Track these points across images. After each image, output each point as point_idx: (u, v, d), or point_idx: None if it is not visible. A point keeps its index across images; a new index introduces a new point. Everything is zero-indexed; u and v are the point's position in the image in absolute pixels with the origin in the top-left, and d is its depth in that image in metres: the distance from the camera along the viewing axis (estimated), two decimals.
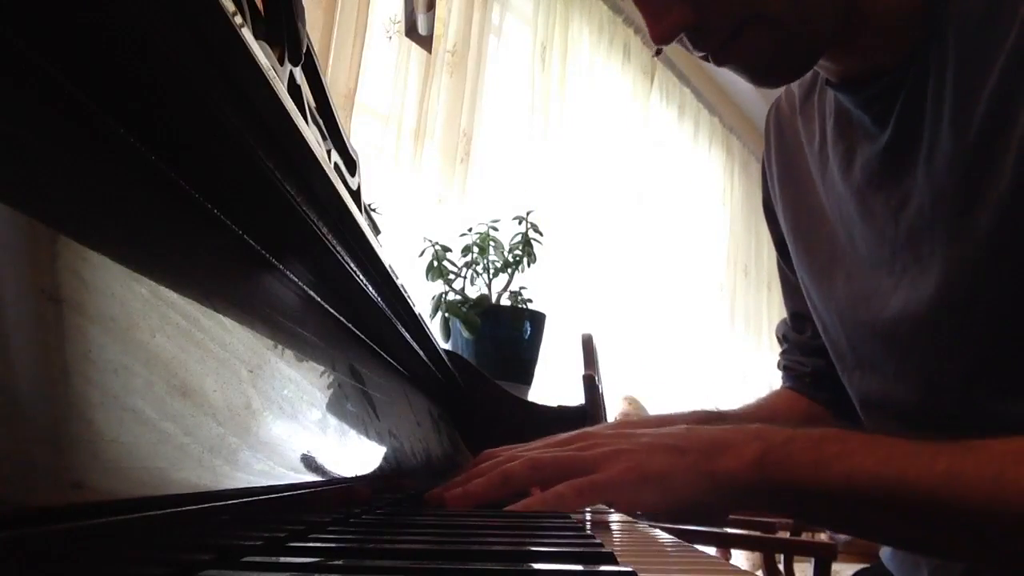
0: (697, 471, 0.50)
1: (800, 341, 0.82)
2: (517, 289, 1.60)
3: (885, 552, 0.77)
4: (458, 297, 1.53)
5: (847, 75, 0.63)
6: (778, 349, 0.89)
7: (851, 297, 0.67)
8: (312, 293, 0.55)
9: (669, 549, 0.46)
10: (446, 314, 1.49)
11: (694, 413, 0.80)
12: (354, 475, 0.52)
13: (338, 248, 0.53)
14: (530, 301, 1.60)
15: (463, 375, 1.33)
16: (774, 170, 0.79)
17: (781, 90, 0.78)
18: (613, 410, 2.33)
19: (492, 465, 0.56)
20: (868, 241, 0.65)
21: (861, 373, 0.69)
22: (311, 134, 0.43)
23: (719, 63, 0.58)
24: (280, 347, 0.43)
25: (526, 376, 1.56)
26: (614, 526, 0.61)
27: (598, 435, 0.56)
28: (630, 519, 0.66)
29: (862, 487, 0.47)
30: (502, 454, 0.63)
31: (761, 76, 0.59)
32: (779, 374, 0.88)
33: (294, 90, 0.47)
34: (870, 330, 0.65)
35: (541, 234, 1.63)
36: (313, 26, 1.55)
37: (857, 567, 0.87)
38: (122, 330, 0.25)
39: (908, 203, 0.59)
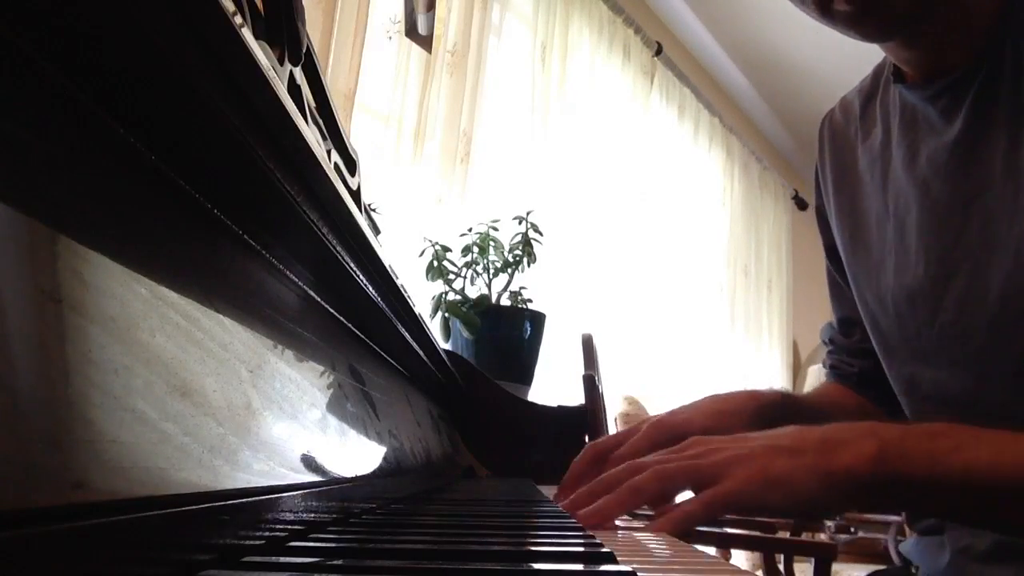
0: (816, 470, 0.50)
1: (848, 344, 0.85)
2: (517, 289, 1.60)
3: (906, 545, 0.78)
4: (458, 297, 1.53)
5: (916, 68, 0.66)
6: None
7: (903, 289, 0.69)
8: (312, 293, 0.55)
9: (669, 549, 0.45)
10: (446, 314, 1.49)
11: (766, 393, 0.82)
12: (354, 475, 0.52)
13: (338, 248, 0.53)
14: (530, 301, 1.60)
15: (463, 375, 1.33)
16: (828, 177, 0.82)
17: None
18: (613, 410, 2.33)
19: (613, 478, 0.56)
20: (923, 231, 0.66)
21: (913, 365, 0.70)
22: (311, 134, 0.43)
23: (821, 11, 0.61)
24: (280, 347, 0.43)
25: (526, 376, 1.56)
26: (615, 525, 0.61)
27: (711, 441, 0.56)
28: (628, 517, 0.66)
29: (980, 477, 0.49)
30: (614, 460, 0.64)
31: (857, 22, 0.60)
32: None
33: (294, 90, 0.47)
34: (927, 320, 0.67)
35: (541, 234, 1.63)
36: (313, 26, 1.55)
37: (856, 567, 0.88)
38: (122, 330, 0.25)
39: (982, 194, 0.61)
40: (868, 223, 0.74)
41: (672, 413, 0.78)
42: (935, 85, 0.64)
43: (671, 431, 0.68)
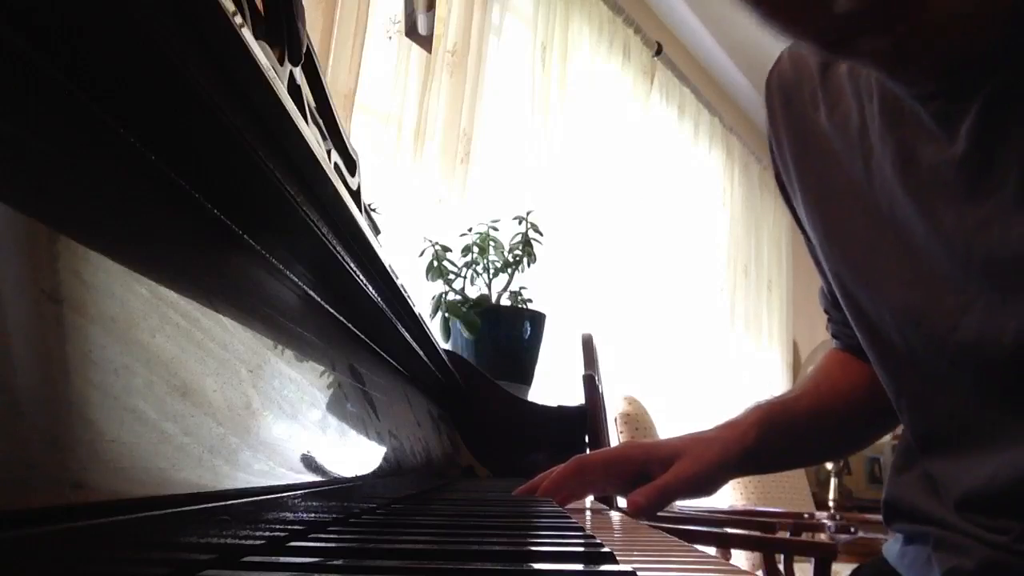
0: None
1: (842, 317, 0.76)
2: (517, 289, 1.60)
3: (891, 551, 0.74)
4: (458, 297, 1.53)
5: None
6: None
7: (909, 307, 0.62)
8: (312, 293, 0.55)
9: (669, 549, 0.45)
10: (446, 314, 1.50)
11: (756, 407, 0.81)
12: (354, 475, 0.52)
13: (338, 248, 0.53)
14: (530, 301, 1.60)
15: (463, 375, 1.33)
16: (784, 143, 0.72)
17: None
18: (613, 410, 2.33)
19: None
20: (933, 251, 0.59)
21: (912, 382, 0.65)
22: (311, 134, 0.43)
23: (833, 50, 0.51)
24: (280, 347, 0.43)
25: (526, 376, 1.56)
26: (615, 525, 0.61)
27: None
28: (629, 517, 0.66)
29: None
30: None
31: (893, 68, 0.51)
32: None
33: (294, 90, 0.47)
34: (936, 347, 0.60)
35: (541, 234, 1.63)
36: (313, 26, 1.55)
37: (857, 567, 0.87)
38: (122, 330, 0.25)
39: (988, 228, 0.53)
40: (847, 209, 0.65)
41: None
42: (927, 83, 0.53)
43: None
